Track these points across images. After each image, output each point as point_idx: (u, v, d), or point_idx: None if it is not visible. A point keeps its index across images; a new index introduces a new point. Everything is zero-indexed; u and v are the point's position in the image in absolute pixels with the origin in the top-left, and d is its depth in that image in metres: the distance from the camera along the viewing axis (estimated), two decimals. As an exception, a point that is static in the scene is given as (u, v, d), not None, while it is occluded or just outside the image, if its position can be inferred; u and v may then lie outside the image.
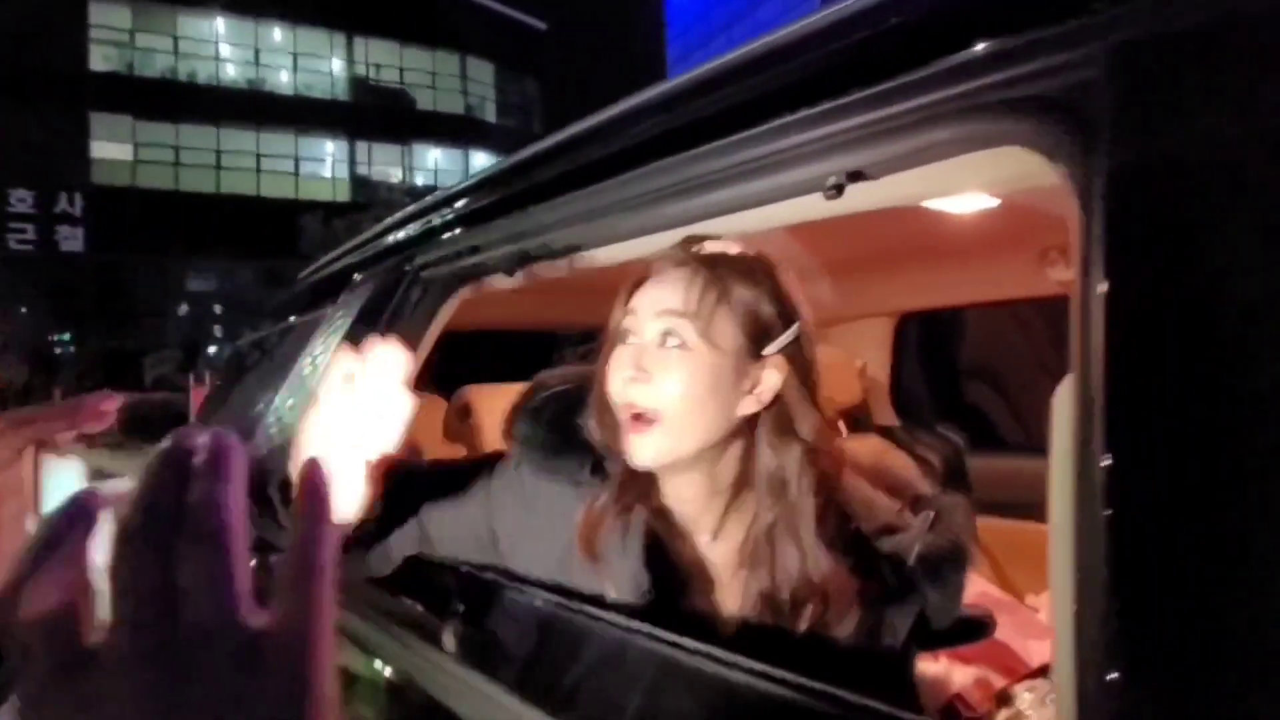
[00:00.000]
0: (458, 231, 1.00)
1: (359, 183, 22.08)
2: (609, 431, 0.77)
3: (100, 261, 18.71)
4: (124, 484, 0.28)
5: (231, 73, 21.70)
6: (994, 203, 1.09)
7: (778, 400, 0.74)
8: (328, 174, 22.78)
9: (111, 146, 20.03)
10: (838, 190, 0.56)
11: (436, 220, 1.05)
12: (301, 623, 0.22)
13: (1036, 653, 1.51)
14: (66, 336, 18.80)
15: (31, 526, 0.35)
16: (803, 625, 0.73)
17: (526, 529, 0.82)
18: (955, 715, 1.23)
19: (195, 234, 19.47)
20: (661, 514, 0.79)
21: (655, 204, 0.75)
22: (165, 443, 0.23)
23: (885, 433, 2.00)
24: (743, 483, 0.77)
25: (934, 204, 1.01)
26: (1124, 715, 0.33)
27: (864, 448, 0.90)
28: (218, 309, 20.29)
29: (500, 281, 1.02)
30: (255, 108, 21.24)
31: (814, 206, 0.64)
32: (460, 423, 1.41)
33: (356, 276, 1.16)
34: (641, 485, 0.79)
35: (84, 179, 19.28)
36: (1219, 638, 0.32)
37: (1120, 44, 0.40)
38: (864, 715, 0.47)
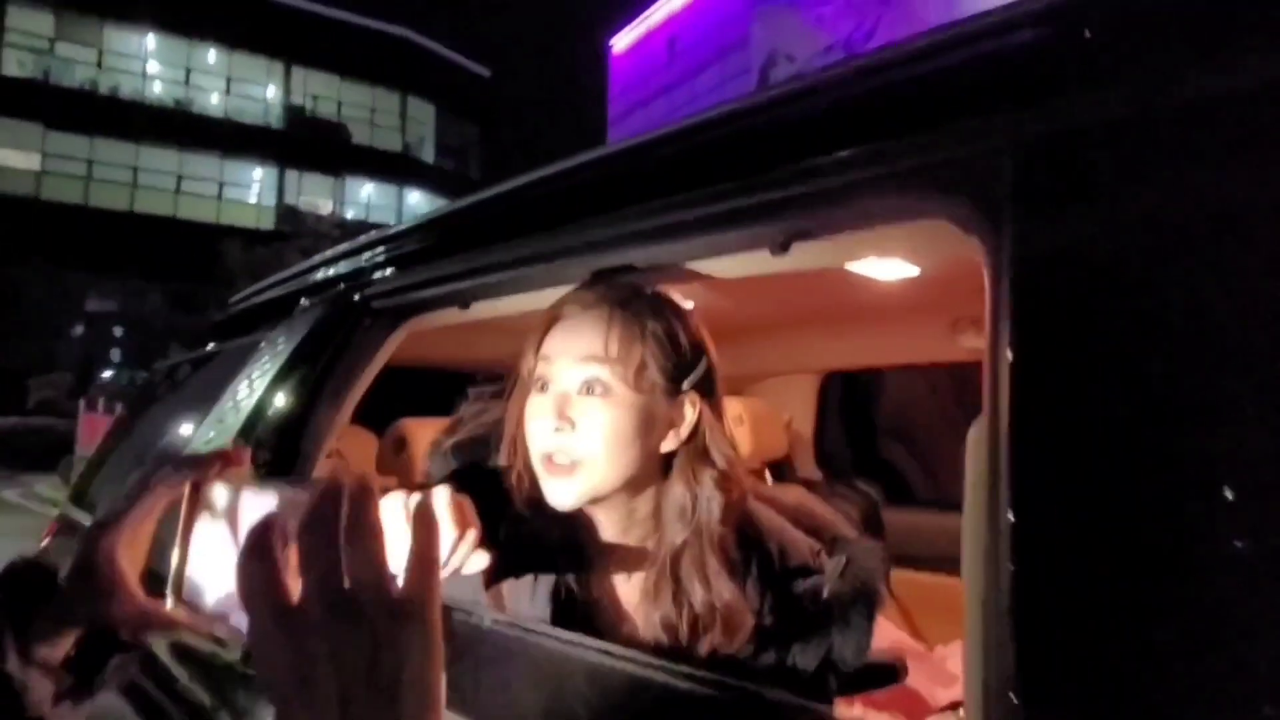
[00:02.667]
0: (414, 264, 1.02)
1: (286, 211, 21.47)
2: (523, 476, 0.77)
3: (-10, 274, 17.39)
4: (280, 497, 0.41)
5: (158, 90, 20.98)
6: (913, 271, 1.20)
7: (694, 433, 0.76)
8: (253, 200, 22.10)
9: (16, 155, 18.91)
10: (784, 247, 0.62)
11: (392, 252, 1.07)
12: (425, 594, 0.34)
13: (944, 698, 1.57)
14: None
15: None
16: (707, 653, 0.73)
17: None
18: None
19: (102, 252, 18.44)
20: (577, 555, 0.79)
21: (612, 251, 0.79)
22: (317, 481, 0.36)
23: (807, 485, 2.08)
24: (657, 516, 0.77)
25: (859, 269, 1.10)
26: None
27: (789, 493, 0.94)
28: (118, 331, 19.10)
29: (450, 316, 1.04)
30: (180, 127, 20.52)
31: (761, 262, 0.70)
32: (395, 455, 1.40)
33: (303, 302, 1.16)
34: (557, 528, 0.79)
35: (-20, 186, 18.04)
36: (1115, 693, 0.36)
37: (1026, 137, 0.47)
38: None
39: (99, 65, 20.13)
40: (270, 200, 22.13)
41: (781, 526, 0.80)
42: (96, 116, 19.52)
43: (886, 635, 1.28)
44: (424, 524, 0.36)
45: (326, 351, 1.05)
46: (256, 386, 1.15)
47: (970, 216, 0.49)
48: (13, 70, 18.92)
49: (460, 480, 0.82)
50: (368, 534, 0.33)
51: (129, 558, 0.45)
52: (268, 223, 21.28)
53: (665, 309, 0.77)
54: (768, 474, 2.02)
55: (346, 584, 0.32)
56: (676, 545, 0.75)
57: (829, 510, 0.89)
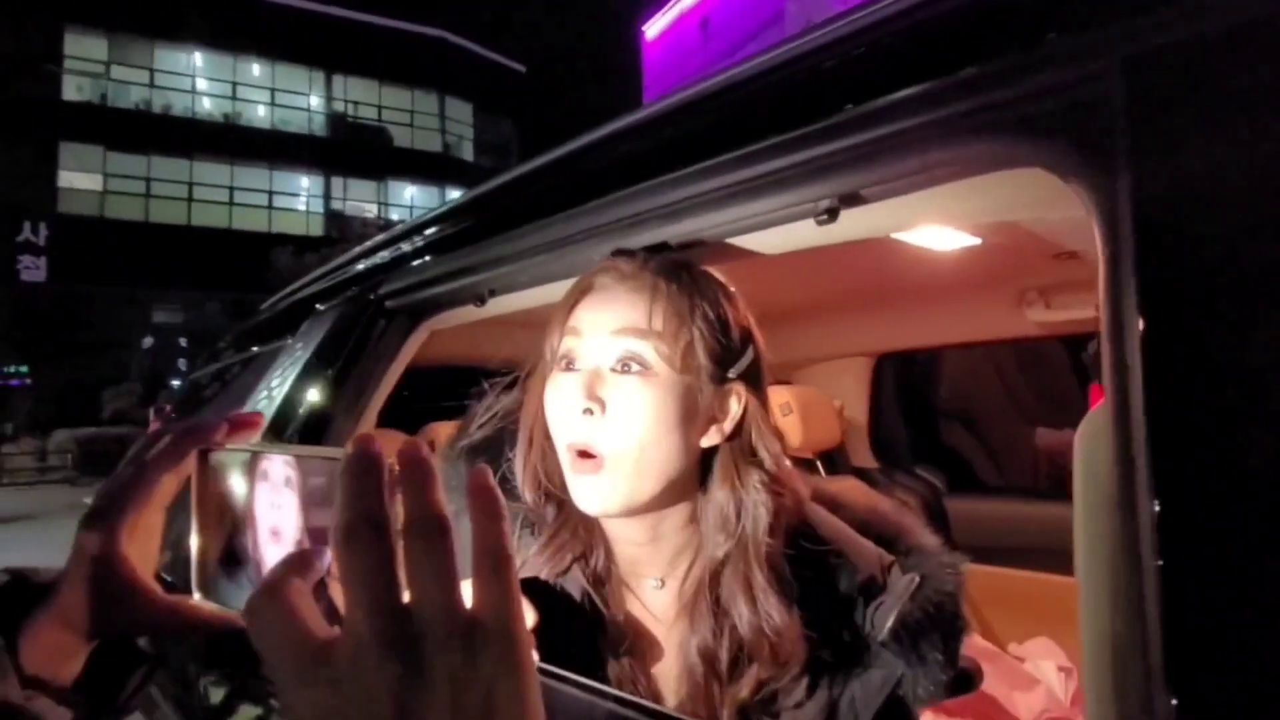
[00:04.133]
0: (424, 260, 0.95)
1: (333, 217, 21.98)
2: (545, 474, 0.67)
3: (63, 292, 18.29)
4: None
5: (207, 106, 21.66)
6: (973, 241, 1.08)
7: (739, 429, 0.65)
8: (302, 208, 22.67)
9: (80, 176, 19.77)
10: (830, 215, 0.52)
11: (401, 249, 1.01)
12: (503, 606, 0.25)
13: (1022, 705, 1.45)
14: (24, 369, 18.26)
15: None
16: (744, 690, 0.63)
17: None
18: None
19: (163, 266, 19.20)
20: (600, 558, 0.70)
21: (635, 230, 0.70)
22: (350, 449, 0.26)
23: (862, 475, 1.97)
24: (695, 518, 0.67)
25: (914, 240, 0.99)
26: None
27: (859, 489, 0.83)
28: (183, 342, 19.88)
29: (468, 313, 0.97)
30: (230, 141, 21.17)
31: (806, 233, 0.60)
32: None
33: (319, 306, 1.11)
34: (580, 535, 0.69)
35: (50, 208, 18.95)
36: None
37: (1135, 55, 0.37)
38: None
39: (151, 85, 20.87)
40: (318, 207, 22.65)
41: (845, 534, 0.68)
42: (152, 135, 20.26)
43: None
44: (487, 507, 0.27)
45: (343, 354, 1.00)
46: (275, 394, 1.10)
47: (1070, 158, 0.39)
48: (73, 95, 19.75)
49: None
50: (432, 529, 0.25)
51: (139, 550, 0.38)
52: (316, 229, 21.81)
53: (714, 286, 0.66)
54: (820, 465, 1.91)
55: (405, 600, 0.24)
56: (718, 558, 0.64)
57: (908, 516, 0.75)
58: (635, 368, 0.62)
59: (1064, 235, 1.20)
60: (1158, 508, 0.32)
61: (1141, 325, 0.33)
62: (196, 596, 0.37)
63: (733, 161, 0.58)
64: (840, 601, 0.65)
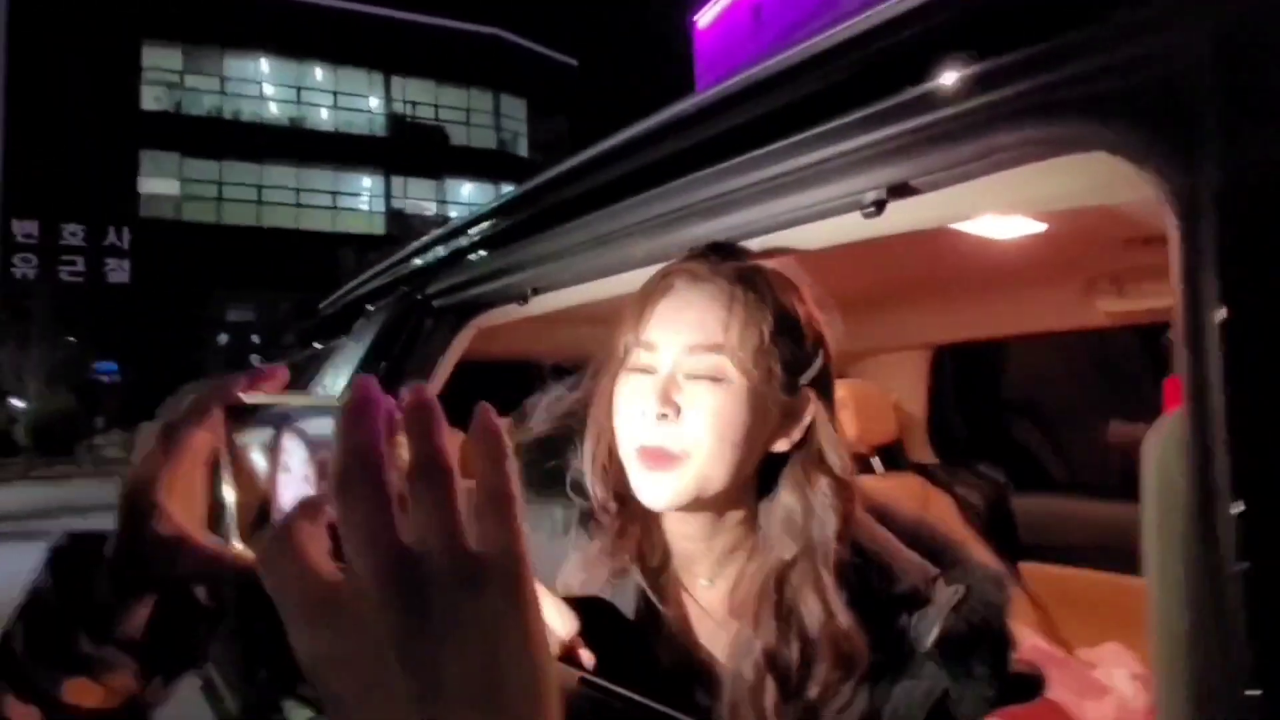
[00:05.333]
0: (468, 259, 0.96)
1: (394, 216, 22.60)
2: (609, 471, 0.69)
3: (145, 293, 19.33)
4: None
5: (274, 111, 22.50)
6: (1038, 226, 1.02)
7: (808, 435, 0.67)
8: (364, 208, 23.37)
9: (159, 182, 20.83)
10: (877, 207, 0.50)
11: (447, 249, 1.02)
12: (508, 544, 0.25)
13: (1093, 714, 1.38)
14: (113, 366, 19.39)
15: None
16: (813, 690, 0.64)
17: None
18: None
19: (236, 266, 20.08)
20: (657, 557, 0.72)
21: (677, 226, 0.68)
22: (350, 395, 0.26)
23: (922, 471, 1.91)
24: (750, 519, 0.69)
25: (974, 229, 0.95)
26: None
27: (909, 496, 0.82)
28: (255, 339, 20.76)
29: (516, 310, 0.97)
30: (296, 144, 21.96)
31: (851, 227, 0.58)
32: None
33: (369, 307, 1.13)
34: (638, 533, 0.71)
35: (132, 213, 20.04)
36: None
37: (1225, 23, 0.33)
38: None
39: (222, 92, 21.80)
40: (380, 206, 23.32)
41: (890, 544, 0.69)
42: (224, 141, 21.20)
43: (1020, 639, 1.12)
44: (490, 447, 0.26)
45: (393, 353, 1.02)
46: (329, 392, 1.13)
47: (1144, 141, 0.35)
48: (150, 105, 20.81)
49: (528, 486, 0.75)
50: (435, 471, 0.25)
51: (181, 505, 0.39)
52: (378, 228, 22.46)
53: (788, 291, 0.67)
54: (877, 461, 1.86)
55: (406, 541, 0.24)
56: (784, 560, 0.65)
57: (956, 531, 0.78)
58: (710, 375, 0.64)
59: (1137, 220, 1.13)
60: (1241, 508, 0.29)
61: (1224, 314, 0.30)
62: (239, 547, 0.39)
63: (779, 152, 0.56)
64: (886, 608, 0.66)
